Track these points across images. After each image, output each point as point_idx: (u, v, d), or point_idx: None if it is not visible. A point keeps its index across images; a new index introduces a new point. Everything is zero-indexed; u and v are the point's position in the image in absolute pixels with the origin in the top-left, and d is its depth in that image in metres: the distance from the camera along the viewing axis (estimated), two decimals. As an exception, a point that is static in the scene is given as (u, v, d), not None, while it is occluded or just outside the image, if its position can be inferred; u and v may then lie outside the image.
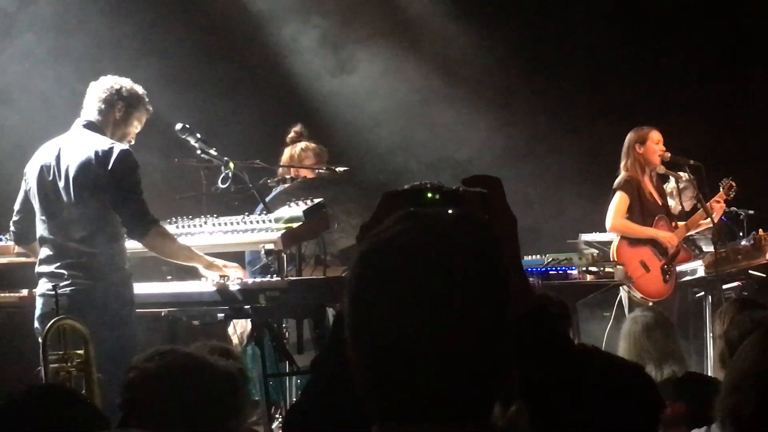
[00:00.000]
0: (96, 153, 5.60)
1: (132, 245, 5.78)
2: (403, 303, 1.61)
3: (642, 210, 7.87)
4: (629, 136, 7.98)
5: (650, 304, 7.60)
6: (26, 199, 5.82)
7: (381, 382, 1.64)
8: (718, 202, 8.19)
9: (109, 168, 5.55)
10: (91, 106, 5.82)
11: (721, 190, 8.18)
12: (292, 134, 7.46)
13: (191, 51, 9.34)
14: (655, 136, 7.95)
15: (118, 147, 5.64)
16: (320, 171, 7.10)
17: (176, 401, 2.99)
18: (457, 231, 1.67)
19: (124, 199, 5.57)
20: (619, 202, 7.81)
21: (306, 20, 9.77)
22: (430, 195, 1.90)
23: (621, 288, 7.83)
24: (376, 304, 1.63)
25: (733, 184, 8.20)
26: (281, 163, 7.28)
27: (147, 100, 5.90)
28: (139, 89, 5.89)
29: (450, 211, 1.77)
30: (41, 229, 5.71)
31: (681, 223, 8.15)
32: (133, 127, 5.87)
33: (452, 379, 1.61)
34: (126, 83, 5.87)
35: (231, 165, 6.24)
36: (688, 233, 8.26)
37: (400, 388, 1.62)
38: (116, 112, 5.80)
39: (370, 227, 1.79)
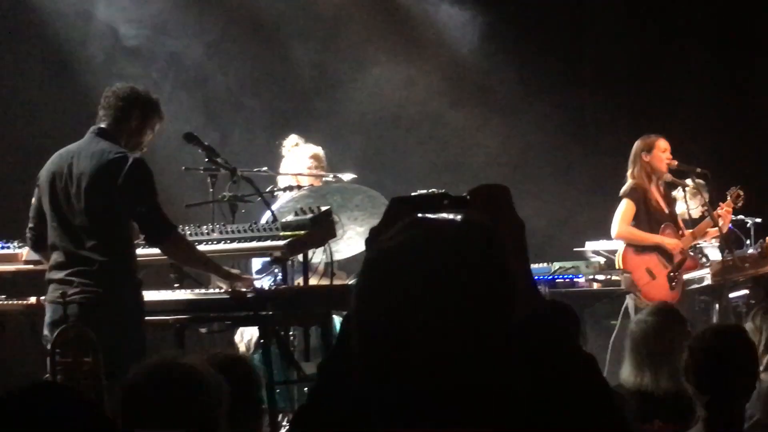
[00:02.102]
0: (109, 161, 5.59)
1: (141, 252, 5.79)
2: (409, 309, 1.62)
3: (648, 218, 7.87)
4: (636, 145, 7.98)
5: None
6: (39, 207, 5.83)
7: (387, 386, 1.65)
8: (727, 210, 8.17)
9: (123, 177, 5.54)
10: (105, 114, 5.79)
11: (728, 198, 8.17)
12: (288, 148, 7.45)
13: (199, 57, 9.36)
14: (662, 144, 7.95)
15: (131, 156, 5.63)
16: (327, 179, 7.11)
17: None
18: (463, 238, 1.68)
19: (141, 207, 5.57)
20: (625, 209, 7.81)
21: (316, 26, 9.79)
22: (437, 202, 1.92)
23: (627, 296, 7.82)
24: (383, 311, 1.65)
25: (741, 193, 8.18)
26: (281, 173, 7.27)
27: (160, 107, 5.90)
28: (154, 96, 5.89)
29: (453, 218, 1.78)
30: (52, 236, 5.72)
31: (688, 231, 8.14)
32: (147, 135, 5.85)
33: (457, 384, 1.62)
34: (142, 91, 5.85)
35: (238, 172, 6.25)
36: (695, 241, 8.24)
37: (406, 393, 1.63)
38: (132, 121, 5.78)
39: (379, 233, 1.82)
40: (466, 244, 1.68)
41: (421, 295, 1.62)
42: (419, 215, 1.80)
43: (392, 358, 1.63)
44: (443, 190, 1.99)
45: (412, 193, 2.01)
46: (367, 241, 1.91)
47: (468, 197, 1.95)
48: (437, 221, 1.74)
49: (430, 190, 2.01)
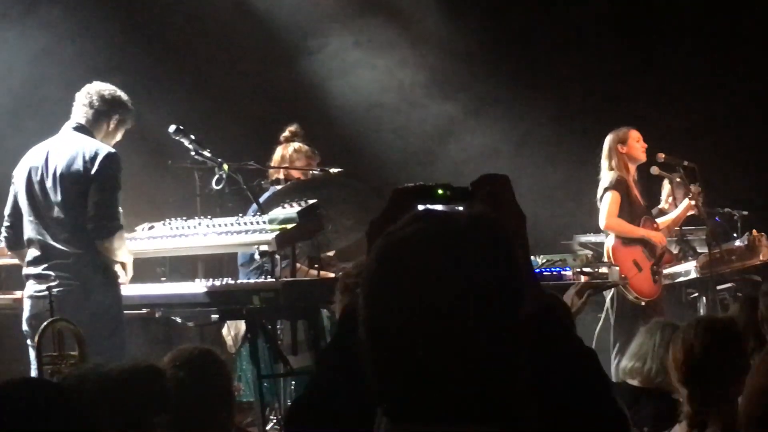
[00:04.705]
0: (84, 153, 5.66)
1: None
2: (419, 302, 1.61)
3: (630, 210, 7.88)
4: (610, 138, 7.96)
5: (642, 303, 7.62)
6: (15, 204, 5.84)
7: (394, 380, 1.64)
8: (692, 205, 8.18)
9: (96, 169, 5.60)
10: (83, 111, 5.86)
11: (690, 194, 8.18)
12: (286, 133, 7.43)
13: (184, 52, 9.33)
14: (635, 134, 7.95)
15: (106, 149, 5.72)
16: (314, 172, 7.10)
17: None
18: (472, 230, 1.68)
19: (100, 200, 5.62)
20: (612, 201, 7.81)
21: (300, 20, 9.77)
22: (440, 192, 1.92)
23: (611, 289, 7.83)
24: (392, 303, 1.64)
25: (700, 189, 8.17)
26: (272, 163, 7.27)
27: (132, 109, 6.00)
28: (128, 100, 5.97)
29: (462, 209, 1.78)
30: (29, 231, 5.74)
31: (662, 225, 8.16)
32: (119, 136, 5.97)
33: (468, 379, 1.61)
34: (123, 95, 5.94)
35: (225, 166, 6.24)
36: (669, 235, 8.27)
37: (415, 388, 1.62)
38: (110, 123, 5.89)
39: (381, 223, 1.82)
40: (477, 238, 1.67)
41: (433, 286, 1.61)
42: (425, 207, 1.80)
43: (403, 350, 1.62)
44: (446, 182, 1.98)
45: (413, 184, 2.00)
46: (368, 233, 1.90)
47: (470, 188, 1.94)
48: (445, 214, 1.74)
49: (418, 182, 2.01)
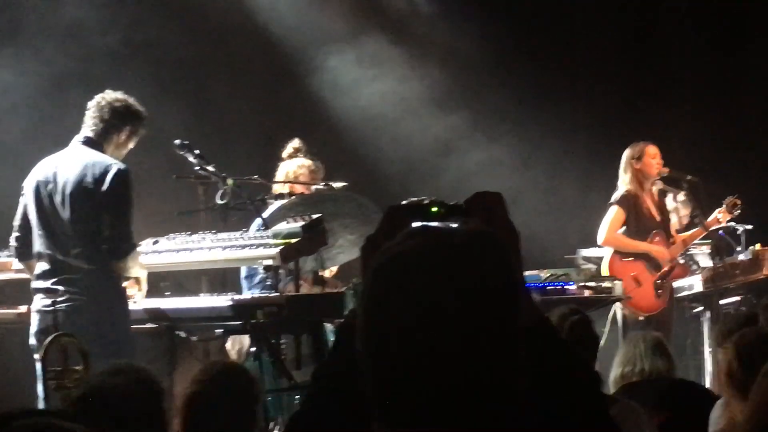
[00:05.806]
0: (94, 170, 5.63)
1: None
2: (417, 316, 1.63)
3: (638, 225, 7.89)
4: (626, 153, 8.01)
5: (640, 318, 7.62)
6: (25, 215, 5.84)
7: (392, 391, 1.65)
8: (722, 217, 8.17)
9: (106, 186, 5.58)
10: (93, 123, 5.81)
11: (724, 206, 8.16)
12: (289, 150, 7.44)
13: (189, 65, 9.35)
14: (651, 150, 7.99)
15: (116, 165, 5.67)
16: (318, 187, 7.10)
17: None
18: (469, 245, 1.69)
19: (115, 220, 5.61)
20: (614, 216, 7.84)
21: (303, 36, 9.78)
22: (434, 209, 1.93)
23: (614, 303, 7.83)
24: (390, 318, 1.65)
25: (738, 202, 8.19)
26: (276, 179, 7.27)
27: (145, 119, 5.94)
28: (142, 109, 5.92)
29: (458, 226, 1.79)
30: (38, 245, 5.73)
31: (679, 238, 8.15)
32: (130, 146, 5.93)
33: (466, 389, 1.63)
34: (134, 105, 5.89)
35: (229, 181, 6.25)
36: (685, 248, 8.26)
37: (413, 401, 1.64)
38: (122, 135, 5.84)
39: (376, 240, 1.84)
40: (474, 252, 1.69)
41: (430, 300, 1.63)
42: (421, 223, 1.81)
43: (401, 362, 1.64)
44: (440, 199, 1.99)
45: (406, 201, 2.01)
46: (364, 249, 1.91)
47: (464, 205, 1.96)
48: (441, 229, 1.75)
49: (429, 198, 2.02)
